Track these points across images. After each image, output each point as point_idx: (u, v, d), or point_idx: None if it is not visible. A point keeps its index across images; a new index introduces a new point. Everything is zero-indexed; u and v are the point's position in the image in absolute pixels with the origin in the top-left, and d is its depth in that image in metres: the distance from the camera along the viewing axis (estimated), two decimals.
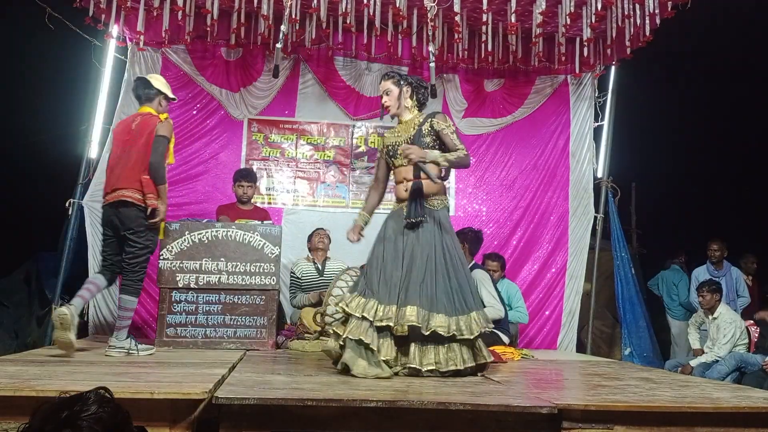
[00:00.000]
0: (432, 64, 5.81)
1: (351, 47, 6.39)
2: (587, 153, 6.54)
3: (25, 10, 5.92)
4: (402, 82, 3.91)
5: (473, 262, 5.15)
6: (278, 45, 5.59)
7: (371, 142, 6.48)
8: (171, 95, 4.51)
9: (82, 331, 5.77)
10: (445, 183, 3.99)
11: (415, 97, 3.92)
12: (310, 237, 5.81)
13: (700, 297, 5.70)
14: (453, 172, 6.47)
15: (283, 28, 5.48)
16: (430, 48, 5.75)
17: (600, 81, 6.63)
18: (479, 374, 3.67)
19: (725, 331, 5.50)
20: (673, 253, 7.77)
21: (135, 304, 4.25)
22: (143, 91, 4.39)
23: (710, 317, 5.68)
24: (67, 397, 1.31)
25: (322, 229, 5.81)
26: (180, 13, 5.41)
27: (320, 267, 5.66)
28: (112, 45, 6.04)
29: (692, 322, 6.16)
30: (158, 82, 4.45)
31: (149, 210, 4.12)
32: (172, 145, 4.35)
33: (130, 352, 4.07)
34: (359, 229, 4.03)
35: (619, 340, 6.63)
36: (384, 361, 3.48)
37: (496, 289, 5.14)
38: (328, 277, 5.51)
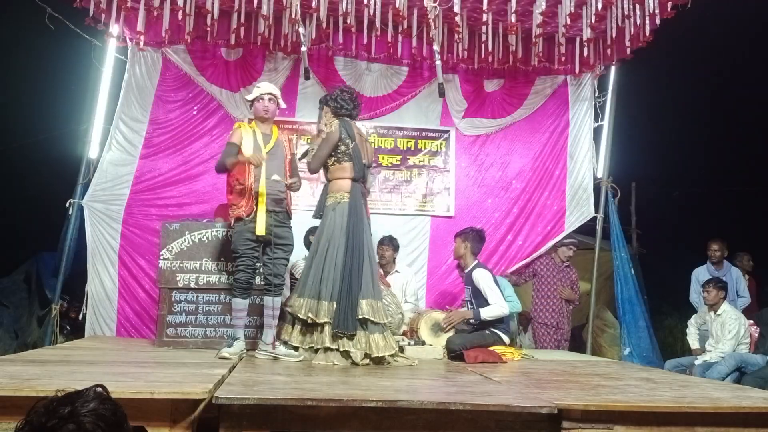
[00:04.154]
0: (438, 63, 5.80)
1: (351, 47, 6.38)
2: (587, 153, 6.53)
3: (25, 10, 5.92)
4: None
5: (476, 261, 5.14)
6: (303, 48, 5.60)
7: (371, 143, 6.47)
8: (251, 97, 4.47)
9: (81, 330, 5.78)
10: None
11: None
12: None
13: (705, 292, 5.71)
14: (453, 172, 6.50)
15: (301, 30, 5.49)
16: (435, 47, 5.75)
17: (600, 81, 6.62)
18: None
19: (730, 327, 5.50)
20: None
21: (237, 305, 4.32)
22: None
23: (713, 314, 5.68)
24: (65, 394, 1.30)
25: None
26: (180, 13, 5.40)
27: None
28: (112, 45, 6.04)
29: (692, 323, 6.15)
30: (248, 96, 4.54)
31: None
32: (243, 146, 4.29)
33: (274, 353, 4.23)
34: None
35: (619, 340, 6.62)
36: None
37: (499, 286, 5.11)
38: None
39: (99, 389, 1.33)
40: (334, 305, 4.11)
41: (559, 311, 6.00)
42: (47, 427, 1.22)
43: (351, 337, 4.07)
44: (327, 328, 4.11)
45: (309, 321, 4.13)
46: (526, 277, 6.29)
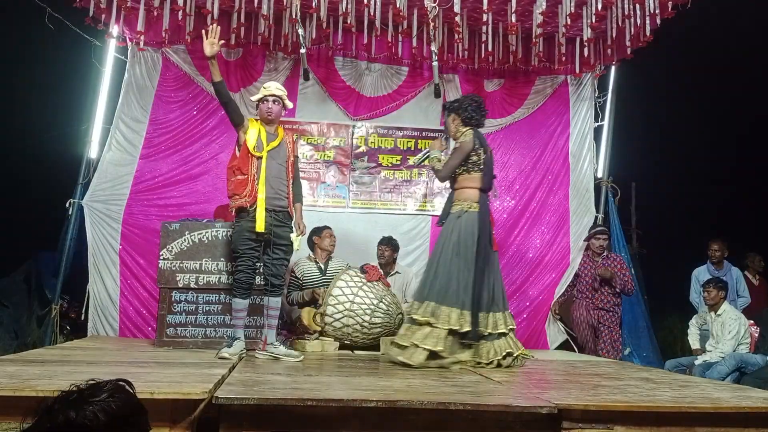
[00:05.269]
0: (435, 63, 5.79)
1: (351, 47, 6.38)
2: (587, 153, 6.54)
3: (26, 10, 5.92)
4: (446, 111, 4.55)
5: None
6: (302, 50, 5.62)
7: (371, 143, 6.48)
8: (255, 98, 4.55)
9: (82, 330, 5.78)
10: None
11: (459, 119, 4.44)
12: (318, 234, 5.60)
13: (705, 292, 5.71)
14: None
15: (300, 31, 5.50)
16: (432, 47, 5.75)
17: (600, 81, 6.63)
18: None
19: (730, 327, 5.50)
20: None
21: (237, 305, 4.35)
22: None
23: (713, 315, 5.68)
24: (89, 384, 1.34)
25: (330, 228, 5.66)
26: (180, 13, 5.41)
27: (323, 267, 5.60)
28: (112, 45, 6.05)
29: (693, 323, 6.15)
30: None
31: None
32: (248, 136, 4.34)
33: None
34: None
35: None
36: None
37: None
38: (331, 277, 5.47)
39: (121, 383, 1.37)
40: (467, 315, 4.06)
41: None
42: (54, 409, 1.27)
43: (468, 347, 4.08)
44: (439, 331, 4.01)
45: (422, 322, 4.06)
46: (569, 288, 6.13)
